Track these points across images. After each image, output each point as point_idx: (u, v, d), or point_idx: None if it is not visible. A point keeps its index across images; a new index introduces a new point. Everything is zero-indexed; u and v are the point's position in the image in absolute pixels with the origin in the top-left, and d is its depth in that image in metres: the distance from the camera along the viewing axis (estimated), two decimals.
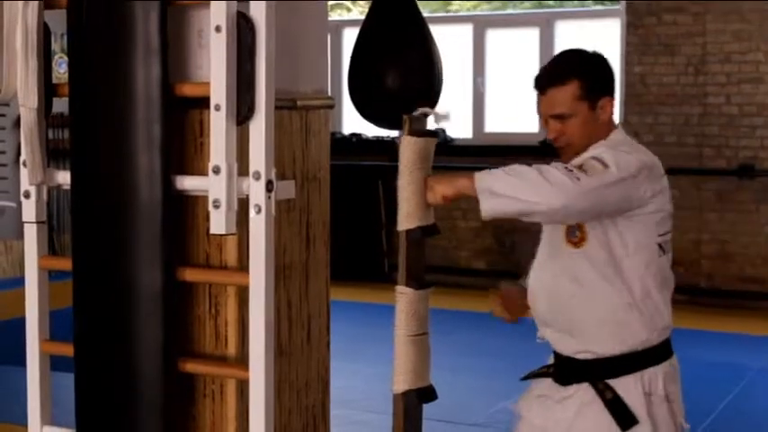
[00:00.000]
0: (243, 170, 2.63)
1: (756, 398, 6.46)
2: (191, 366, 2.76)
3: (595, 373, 3.02)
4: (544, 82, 3.01)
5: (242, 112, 2.60)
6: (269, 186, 2.61)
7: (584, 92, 2.96)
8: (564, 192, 2.73)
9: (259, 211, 2.61)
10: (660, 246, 2.99)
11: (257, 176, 2.60)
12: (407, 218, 3.02)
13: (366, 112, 3.45)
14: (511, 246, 9.59)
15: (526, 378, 3.24)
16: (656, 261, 2.98)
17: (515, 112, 9.89)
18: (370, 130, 9.77)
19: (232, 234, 2.64)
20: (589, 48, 3.11)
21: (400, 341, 2.98)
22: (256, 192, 2.60)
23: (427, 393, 3.01)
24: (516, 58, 9.90)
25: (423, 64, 3.46)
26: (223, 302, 2.78)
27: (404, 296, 2.98)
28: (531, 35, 9.78)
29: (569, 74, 2.97)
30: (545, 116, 3.00)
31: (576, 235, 2.97)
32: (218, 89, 2.58)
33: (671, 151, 8.63)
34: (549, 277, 3.07)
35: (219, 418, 2.79)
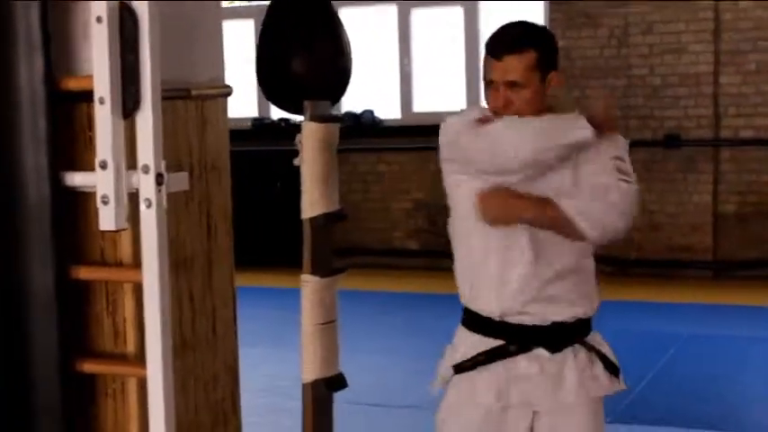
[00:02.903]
0: (133, 164, 2.58)
1: (686, 364, 6.53)
2: (89, 366, 2.70)
3: (581, 333, 3.08)
4: (501, 48, 2.96)
5: (128, 104, 2.55)
6: (159, 179, 2.55)
7: (539, 63, 2.96)
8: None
9: (150, 205, 2.55)
10: None
11: (146, 170, 2.55)
12: (311, 206, 3.00)
13: (270, 96, 3.41)
14: (443, 225, 9.57)
15: (469, 366, 3.06)
16: None
17: (443, 90, 9.88)
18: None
19: (123, 230, 2.59)
20: None
21: (307, 331, 2.95)
22: (146, 185, 2.55)
23: (337, 382, 3.00)
24: (442, 36, 9.88)
25: (329, 47, 3.41)
26: (120, 300, 2.73)
27: (309, 285, 2.96)
28: (456, 13, 9.77)
29: (527, 43, 2.96)
30: (496, 83, 2.97)
31: None
32: (102, 82, 2.52)
33: None
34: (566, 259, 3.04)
35: (122, 416, 2.75)
